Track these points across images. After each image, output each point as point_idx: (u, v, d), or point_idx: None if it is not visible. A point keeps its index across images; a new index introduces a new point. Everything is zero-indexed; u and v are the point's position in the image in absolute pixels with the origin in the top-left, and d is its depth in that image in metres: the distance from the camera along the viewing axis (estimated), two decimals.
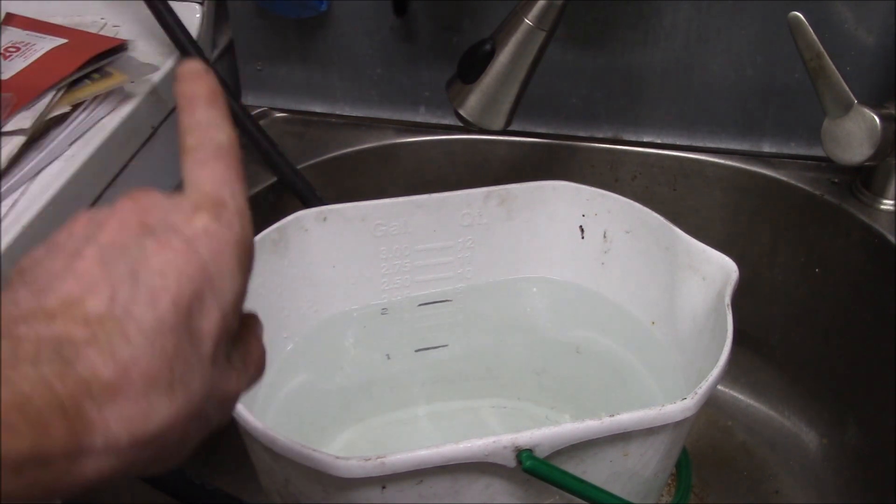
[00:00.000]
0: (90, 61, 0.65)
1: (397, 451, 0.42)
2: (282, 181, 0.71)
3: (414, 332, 0.66)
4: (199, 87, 0.31)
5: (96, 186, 0.62)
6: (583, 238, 0.64)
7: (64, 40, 0.68)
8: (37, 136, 0.61)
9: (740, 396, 0.78)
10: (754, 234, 0.73)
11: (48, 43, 0.67)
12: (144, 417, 0.25)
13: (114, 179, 0.63)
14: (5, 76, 0.64)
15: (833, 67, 0.59)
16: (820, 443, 0.74)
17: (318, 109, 0.79)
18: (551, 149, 0.75)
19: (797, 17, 0.59)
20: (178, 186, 0.71)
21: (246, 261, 0.29)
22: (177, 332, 0.25)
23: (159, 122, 0.69)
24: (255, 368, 0.31)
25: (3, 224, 0.54)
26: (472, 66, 0.59)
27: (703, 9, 0.68)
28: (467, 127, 0.61)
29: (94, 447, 0.24)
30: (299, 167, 0.72)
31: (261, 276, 0.58)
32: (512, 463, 0.43)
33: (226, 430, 0.53)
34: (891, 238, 0.65)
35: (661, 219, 0.59)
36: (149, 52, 0.71)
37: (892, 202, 0.67)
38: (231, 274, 0.28)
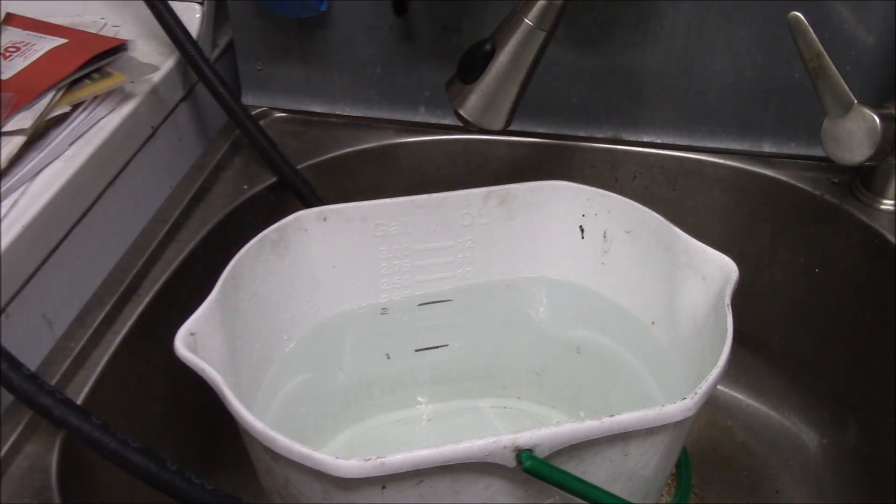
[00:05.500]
0: (90, 61, 0.65)
1: (397, 451, 0.42)
2: (282, 181, 0.71)
3: (414, 332, 0.66)
4: None
5: (96, 186, 0.62)
6: (583, 238, 0.64)
7: (64, 40, 0.68)
8: (37, 136, 0.61)
9: (740, 396, 0.78)
10: (754, 234, 0.73)
11: (48, 43, 0.67)
12: None
13: (114, 179, 0.63)
14: (5, 76, 0.64)
15: (833, 67, 0.59)
16: (820, 443, 0.74)
17: (318, 109, 0.79)
18: (551, 149, 0.75)
19: (797, 17, 0.59)
20: (177, 187, 0.71)
21: None
22: None
23: (159, 122, 0.69)
24: None
25: (3, 224, 0.54)
26: (472, 66, 0.59)
27: (703, 9, 0.68)
28: (467, 127, 0.61)
29: None
30: (299, 167, 0.72)
31: (261, 276, 0.58)
32: (512, 463, 0.43)
33: (226, 430, 0.53)
34: (891, 238, 0.65)
35: (661, 219, 0.59)
36: (149, 52, 0.71)
37: (892, 202, 0.67)
38: None
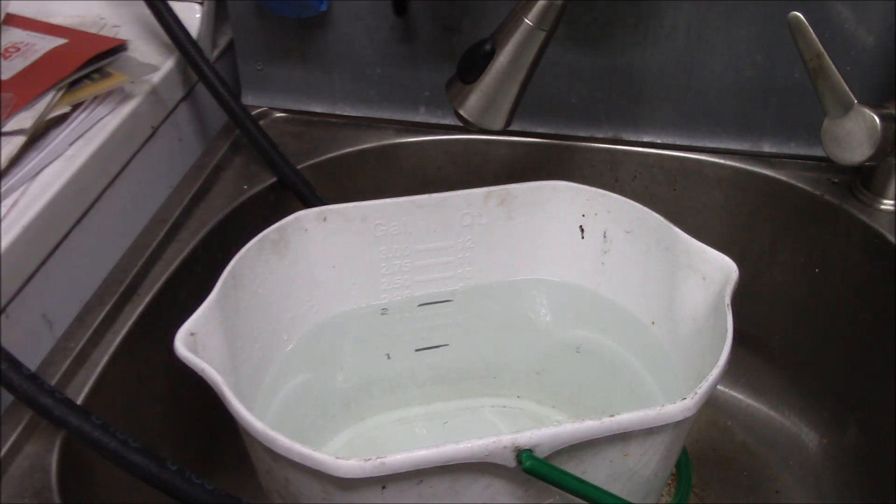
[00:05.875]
0: (90, 61, 0.65)
1: (397, 451, 0.42)
2: (282, 181, 0.71)
3: (414, 332, 0.66)
4: None
5: (96, 186, 0.62)
6: (583, 238, 0.64)
7: (64, 40, 0.68)
8: (37, 136, 0.61)
9: (740, 396, 0.78)
10: (754, 234, 0.73)
11: (48, 43, 0.67)
12: None
13: (114, 179, 0.63)
14: (5, 76, 0.64)
15: (833, 67, 0.59)
16: (820, 443, 0.74)
17: (318, 109, 0.79)
18: (551, 149, 0.75)
19: (797, 17, 0.59)
20: (177, 187, 0.71)
21: None
22: None
23: (159, 122, 0.69)
24: None
25: (3, 224, 0.54)
26: (472, 66, 0.59)
27: (703, 9, 0.68)
28: (467, 127, 0.61)
29: None
30: (299, 167, 0.72)
31: (261, 276, 0.58)
32: (512, 463, 0.43)
33: (226, 430, 0.53)
34: (891, 238, 0.65)
35: (661, 219, 0.59)
36: (149, 52, 0.71)
37: (892, 202, 0.67)
38: None
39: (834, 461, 0.72)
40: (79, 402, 0.54)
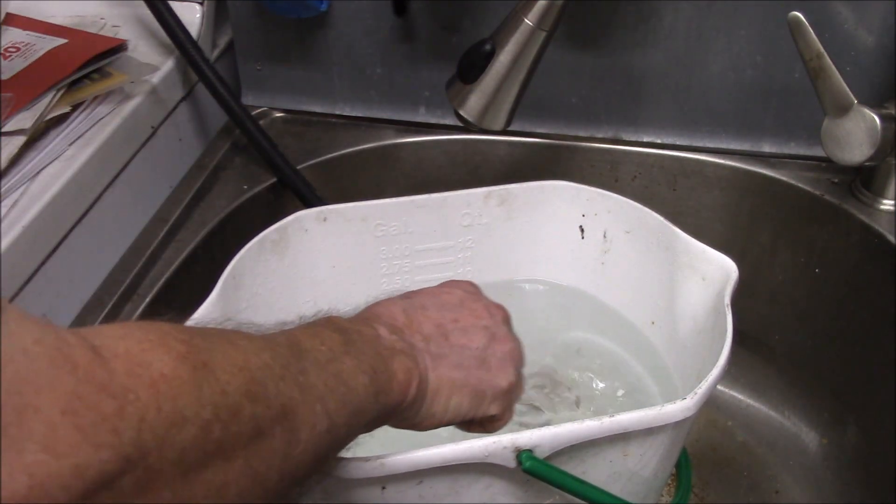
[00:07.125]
0: (90, 61, 0.65)
1: (397, 451, 0.42)
2: (282, 181, 0.71)
3: None
4: None
5: (96, 186, 0.62)
6: (583, 238, 0.64)
7: (64, 40, 0.68)
8: (37, 136, 0.61)
9: (740, 396, 0.78)
10: (754, 234, 0.73)
11: (48, 43, 0.67)
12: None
13: (114, 179, 0.63)
14: (5, 76, 0.64)
15: (833, 67, 0.59)
16: (820, 443, 0.74)
17: (318, 109, 0.79)
18: (551, 149, 0.75)
19: (797, 17, 0.59)
20: (177, 187, 0.71)
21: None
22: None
23: (159, 122, 0.69)
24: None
25: (4, 224, 0.54)
26: (472, 66, 0.59)
27: (703, 9, 0.68)
28: (467, 127, 0.61)
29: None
30: (299, 167, 0.72)
31: (261, 276, 0.58)
32: (512, 463, 0.43)
33: None
34: (891, 238, 0.65)
35: (661, 219, 0.59)
36: (149, 52, 0.71)
37: (892, 202, 0.67)
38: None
39: (834, 461, 0.72)
40: None
